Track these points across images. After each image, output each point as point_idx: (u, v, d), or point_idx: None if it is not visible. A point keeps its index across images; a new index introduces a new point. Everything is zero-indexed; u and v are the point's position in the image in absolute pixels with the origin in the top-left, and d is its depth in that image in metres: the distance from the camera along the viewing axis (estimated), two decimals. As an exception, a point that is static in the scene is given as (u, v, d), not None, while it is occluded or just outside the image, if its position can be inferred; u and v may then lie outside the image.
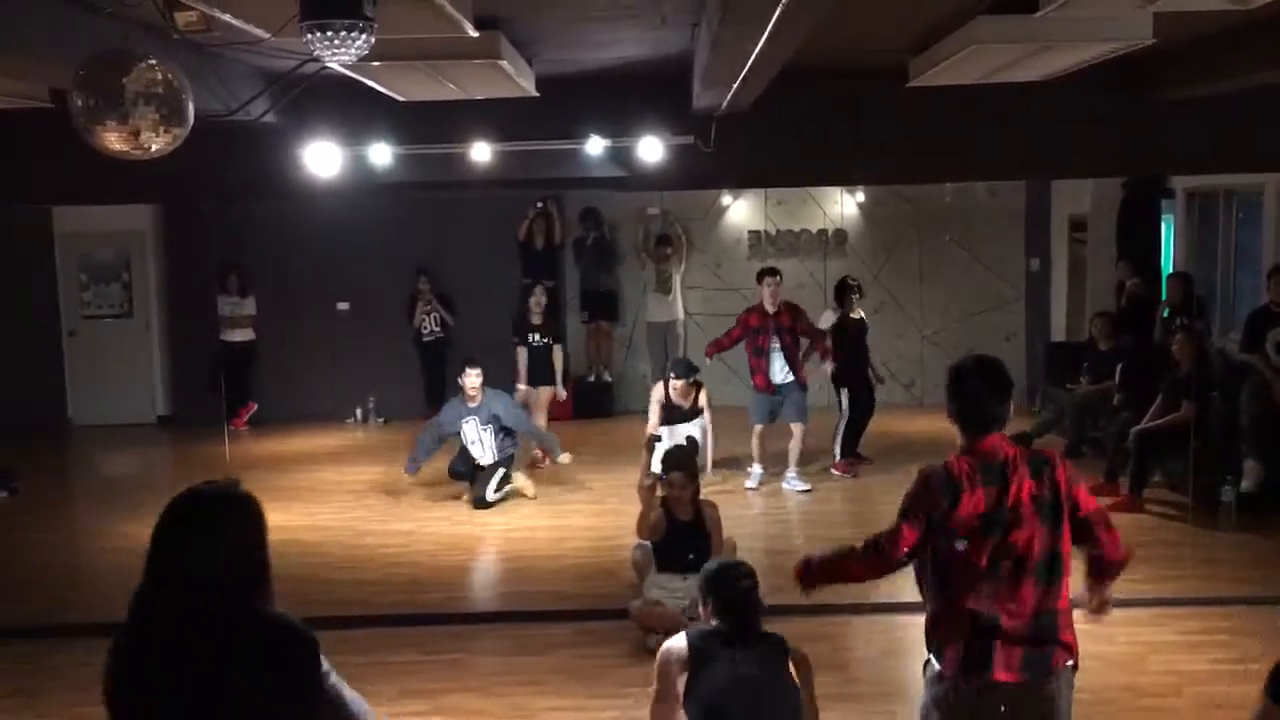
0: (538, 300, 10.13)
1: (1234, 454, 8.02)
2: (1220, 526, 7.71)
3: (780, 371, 9.11)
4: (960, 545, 3.34)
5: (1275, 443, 7.92)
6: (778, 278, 9.25)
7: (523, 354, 10.00)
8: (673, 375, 9.04)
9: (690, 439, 8.72)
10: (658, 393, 9.09)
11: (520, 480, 9.09)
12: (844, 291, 9.76)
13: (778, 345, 9.09)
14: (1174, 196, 10.95)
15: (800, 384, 9.16)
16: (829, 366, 9.53)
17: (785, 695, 3.69)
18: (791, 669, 3.76)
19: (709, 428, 9.08)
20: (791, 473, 9.17)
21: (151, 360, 12.75)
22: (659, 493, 6.35)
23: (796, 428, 9.13)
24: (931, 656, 3.48)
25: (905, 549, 3.41)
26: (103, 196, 8.44)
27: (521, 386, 9.89)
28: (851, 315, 9.71)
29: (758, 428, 9.24)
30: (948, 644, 3.40)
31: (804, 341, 9.32)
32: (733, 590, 3.84)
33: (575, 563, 7.54)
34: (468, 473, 8.93)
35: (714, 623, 3.85)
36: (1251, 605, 6.30)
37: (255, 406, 12.38)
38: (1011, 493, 3.37)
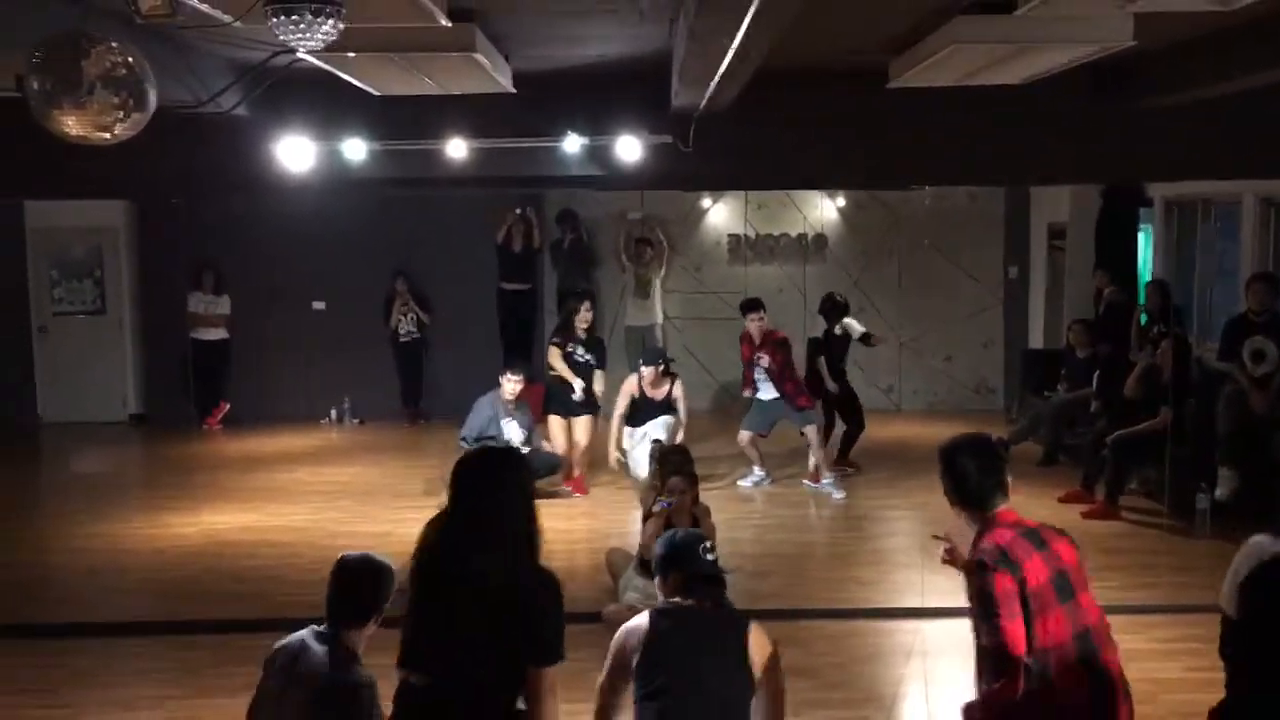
0: (584, 317, 9.15)
1: (1209, 462, 8.02)
2: (1195, 534, 7.71)
3: (770, 393, 9.19)
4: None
5: (1250, 451, 7.92)
6: (760, 313, 9.20)
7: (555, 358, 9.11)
8: (642, 362, 8.99)
9: (656, 441, 8.69)
10: (629, 385, 9.02)
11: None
12: (833, 309, 9.72)
13: (766, 379, 9.17)
14: (1152, 205, 10.97)
15: (797, 407, 9.14)
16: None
17: (739, 685, 3.50)
18: (751, 655, 3.53)
19: (682, 420, 8.92)
20: (826, 477, 9.16)
21: (124, 358, 12.61)
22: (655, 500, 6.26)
23: (809, 430, 9.15)
24: None
25: (1022, 644, 3.21)
26: (70, 190, 8.32)
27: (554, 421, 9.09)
28: (835, 332, 9.70)
29: (745, 435, 9.24)
30: None
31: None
32: (696, 564, 3.62)
33: (551, 565, 7.45)
34: None
35: (675, 600, 3.63)
36: (1226, 613, 6.28)
37: (228, 406, 12.26)
38: (1060, 556, 3.36)
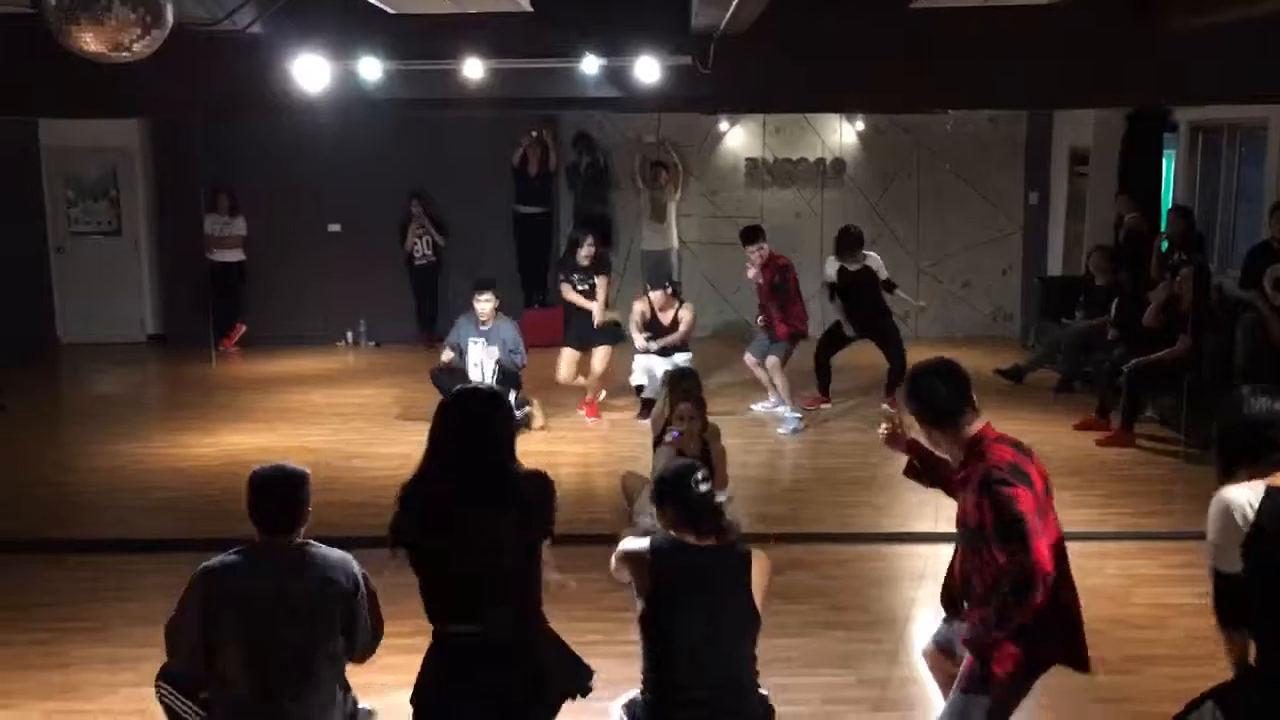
0: (587, 253, 9.17)
1: (1227, 390, 7.98)
2: (1210, 462, 7.70)
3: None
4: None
5: (1269, 379, 7.88)
6: (760, 244, 9.10)
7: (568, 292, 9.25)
8: (648, 286, 9.14)
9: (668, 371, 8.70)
10: (640, 304, 9.12)
11: (534, 410, 8.84)
12: (846, 241, 9.34)
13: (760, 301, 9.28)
14: (1177, 130, 10.80)
15: (775, 336, 9.07)
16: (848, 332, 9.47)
17: (743, 620, 3.49)
18: (754, 587, 3.51)
19: (680, 337, 9.00)
20: (775, 406, 9.22)
21: (141, 279, 12.64)
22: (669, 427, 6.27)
23: (771, 359, 9.10)
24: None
25: (1051, 561, 3.28)
26: (84, 109, 8.24)
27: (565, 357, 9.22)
28: (850, 268, 9.32)
29: (749, 358, 9.30)
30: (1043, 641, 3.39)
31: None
32: (688, 497, 3.57)
33: (565, 488, 7.50)
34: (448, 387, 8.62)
35: (673, 536, 3.58)
36: (1239, 540, 6.31)
37: (244, 328, 12.30)
38: (1039, 466, 3.47)
